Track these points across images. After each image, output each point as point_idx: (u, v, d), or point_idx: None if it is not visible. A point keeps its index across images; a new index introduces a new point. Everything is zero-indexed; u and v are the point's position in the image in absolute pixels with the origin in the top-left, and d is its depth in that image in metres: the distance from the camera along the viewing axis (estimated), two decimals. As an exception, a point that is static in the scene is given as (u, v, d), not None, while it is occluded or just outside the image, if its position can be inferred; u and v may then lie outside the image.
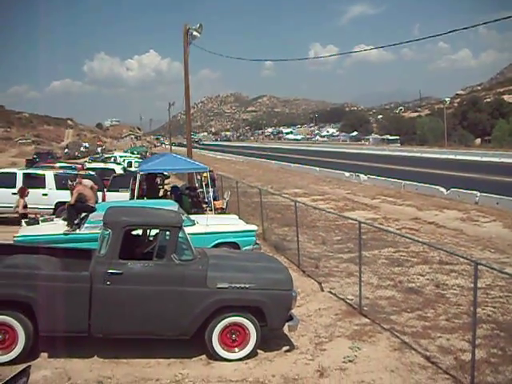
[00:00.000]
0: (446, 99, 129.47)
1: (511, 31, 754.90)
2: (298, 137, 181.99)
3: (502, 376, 7.71)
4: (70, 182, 16.41)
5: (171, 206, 13.37)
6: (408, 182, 32.63)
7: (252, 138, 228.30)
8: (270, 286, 8.52)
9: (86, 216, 13.34)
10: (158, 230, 9.02)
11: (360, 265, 10.96)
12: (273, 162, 59.76)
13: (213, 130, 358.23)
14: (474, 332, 7.42)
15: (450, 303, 10.97)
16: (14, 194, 19.03)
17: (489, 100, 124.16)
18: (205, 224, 13.41)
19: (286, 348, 8.82)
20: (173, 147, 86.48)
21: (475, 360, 7.41)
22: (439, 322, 9.91)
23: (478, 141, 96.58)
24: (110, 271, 8.09)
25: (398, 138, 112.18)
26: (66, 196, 16.96)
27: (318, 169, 46.73)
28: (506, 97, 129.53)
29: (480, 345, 8.39)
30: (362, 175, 38.42)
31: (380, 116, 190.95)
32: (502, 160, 53.33)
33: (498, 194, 25.05)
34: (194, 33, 26.90)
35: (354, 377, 7.84)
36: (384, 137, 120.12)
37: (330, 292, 11.88)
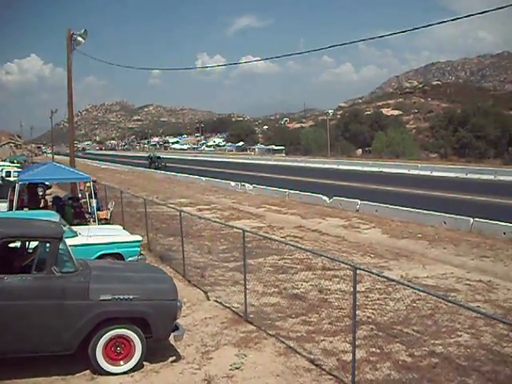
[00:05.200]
0: (329, 111, 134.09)
1: (389, 49, 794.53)
2: (185, 146, 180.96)
3: (379, 372, 8.11)
4: None
5: (52, 217, 12.92)
6: (292, 191, 33.39)
7: (138, 147, 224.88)
8: (154, 296, 8.42)
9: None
10: (37, 242, 8.67)
11: (245, 273, 11.07)
12: (158, 171, 59.16)
13: (97, 138, 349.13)
14: (354, 334, 7.71)
15: (332, 307, 11.33)
16: None
17: (369, 113, 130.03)
18: (87, 235, 13.07)
19: (173, 358, 8.74)
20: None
21: (356, 360, 7.72)
22: (322, 326, 10.21)
23: (359, 151, 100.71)
24: (-15, 286, 7.65)
25: (283, 148, 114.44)
26: None
27: (204, 178, 46.75)
28: (384, 110, 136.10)
29: (360, 345, 8.76)
30: (247, 185, 38.82)
31: (265, 126, 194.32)
32: (381, 170, 55.88)
33: (377, 202, 26.22)
34: (79, 38, 26.16)
35: (241, 383, 7.90)
36: (269, 147, 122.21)
37: (216, 301, 11.92)
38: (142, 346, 8.25)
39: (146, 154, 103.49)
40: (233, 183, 40.97)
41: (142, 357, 8.30)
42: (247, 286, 11.03)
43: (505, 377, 8.01)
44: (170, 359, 8.72)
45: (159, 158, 76.42)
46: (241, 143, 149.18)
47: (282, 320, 10.60)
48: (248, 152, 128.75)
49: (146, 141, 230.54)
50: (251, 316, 10.64)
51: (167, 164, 71.87)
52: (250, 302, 10.96)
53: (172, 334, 8.64)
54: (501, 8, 13.59)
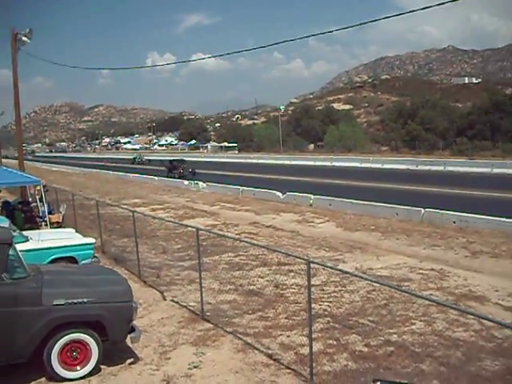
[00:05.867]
0: (281, 107, 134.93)
1: (338, 44, 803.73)
2: (137, 146, 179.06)
3: (336, 364, 8.23)
4: None
5: (2, 222, 12.66)
6: (246, 188, 33.46)
7: (89, 148, 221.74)
8: (109, 298, 8.31)
9: None
10: (-15, 249, 8.45)
11: (200, 271, 11.05)
12: (111, 172, 58.49)
13: (47, 140, 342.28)
14: (310, 327, 7.79)
15: (289, 302, 11.42)
16: None
17: (320, 108, 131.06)
18: (38, 239, 12.83)
19: (130, 360, 8.67)
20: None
21: (313, 352, 7.80)
22: (279, 321, 10.27)
23: (312, 146, 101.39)
24: None
25: (235, 145, 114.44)
26: None
27: (156, 178, 46.46)
28: (335, 105, 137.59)
29: (317, 338, 8.85)
30: (200, 183, 38.78)
31: (218, 124, 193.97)
32: (334, 164, 56.51)
33: (330, 196, 26.48)
34: (24, 38, 25.52)
35: (200, 382, 7.91)
36: (222, 144, 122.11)
37: (173, 300, 11.88)
38: (99, 350, 8.14)
39: (133, 156, 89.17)
40: (186, 182, 40.88)
41: (99, 360, 8.19)
42: (203, 285, 11.03)
43: (456, 359, 8.26)
44: (128, 361, 8.64)
45: (183, 161, 55.00)
46: (193, 141, 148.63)
47: (239, 317, 10.62)
48: (201, 150, 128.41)
49: (97, 141, 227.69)
50: (208, 314, 10.63)
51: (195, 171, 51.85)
52: (206, 300, 10.95)
53: (129, 336, 8.55)
54: (442, 4, 13.85)
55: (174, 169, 51.99)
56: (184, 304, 11.52)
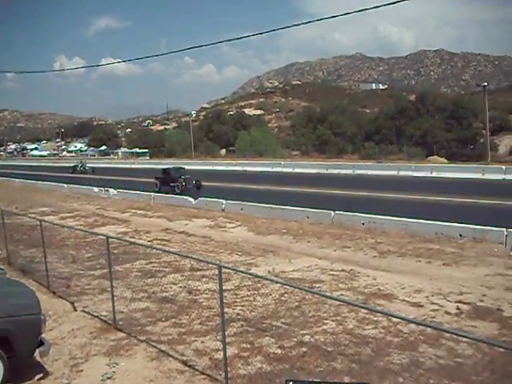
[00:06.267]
0: (192, 112, 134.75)
1: (250, 50, 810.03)
2: (44, 153, 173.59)
3: (251, 367, 8.30)
4: None
5: None
6: (157, 194, 33.23)
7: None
8: (15, 312, 7.95)
9: None
10: None
11: (111, 280, 10.84)
12: (16, 180, 56.31)
13: None
14: (224, 331, 7.83)
15: (202, 307, 11.40)
16: None
17: (231, 113, 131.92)
18: None
19: (39, 376, 8.37)
20: None
21: (227, 357, 7.84)
22: (193, 327, 10.25)
23: (223, 151, 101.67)
24: None
25: (146, 150, 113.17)
26: None
27: (65, 185, 45.14)
28: (246, 110, 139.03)
29: (231, 342, 8.92)
30: (111, 189, 38.05)
31: (129, 129, 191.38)
32: (245, 169, 56.87)
33: (242, 201, 26.66)
34: None
35: (112, 393, 7.77)
36: (133, 150, 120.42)
37: (84, 311, 11.60)
38: (4, 368, 7.74)
39: (72, 164, 71.97)
40: (96, 189, 39.99)
41: (4, 379, 7.80)
42: (115, 293, 10.82)
43: (366, 356, 8.55)
44: (37, 377, 8.34)
45: (182, 170, 42.91)
46: (103, 147, 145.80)
47: (152, 324, 10.50)
48: (111, 156, 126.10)
49: (1, 148, 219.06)
50: (120, 323, 10.45)
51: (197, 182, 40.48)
52: (118, 309, 10.75)
53: (37, 350, 8.23)
54: (348, 13, 14.42)
55: (171, 181, 40.09)
56: (96, 314, 11.27)
